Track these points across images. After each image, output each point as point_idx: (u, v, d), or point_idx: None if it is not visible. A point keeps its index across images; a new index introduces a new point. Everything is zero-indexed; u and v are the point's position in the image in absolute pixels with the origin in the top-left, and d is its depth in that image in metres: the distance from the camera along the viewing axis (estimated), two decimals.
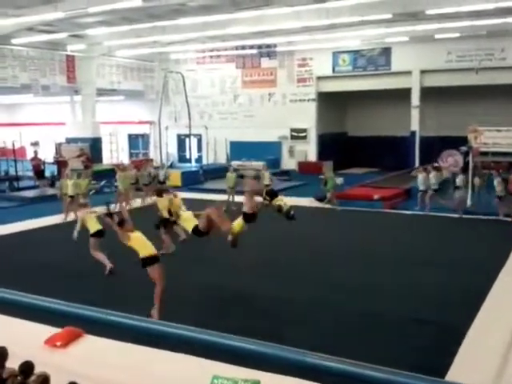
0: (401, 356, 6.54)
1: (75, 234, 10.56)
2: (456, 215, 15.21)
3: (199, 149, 30.42)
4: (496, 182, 14.89)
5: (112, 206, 13.13)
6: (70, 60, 25.61)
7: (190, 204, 11.31)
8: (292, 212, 9.59)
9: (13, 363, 5.05)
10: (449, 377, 5.97)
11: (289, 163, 27.63)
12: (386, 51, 25.31)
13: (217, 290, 9.27)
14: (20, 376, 4.94)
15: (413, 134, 25.34)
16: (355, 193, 18.16)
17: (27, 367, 4.98)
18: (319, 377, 5.71)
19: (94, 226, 10.37)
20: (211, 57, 28.99)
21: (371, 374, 5.48)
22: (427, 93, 25.04)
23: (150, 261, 7.66)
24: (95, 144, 26.53)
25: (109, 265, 10.17)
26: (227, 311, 8.30)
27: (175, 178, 21.09)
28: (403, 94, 25.16)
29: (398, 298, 8.83)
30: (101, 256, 10.34)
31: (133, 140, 33.22)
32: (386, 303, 8.57)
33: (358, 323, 7.79)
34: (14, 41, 21.72)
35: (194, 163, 28.81)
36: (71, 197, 15.35)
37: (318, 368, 5.69)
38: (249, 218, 8.82)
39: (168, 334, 6.71)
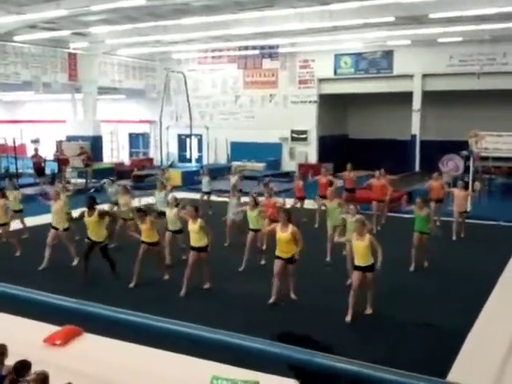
0: (403, 358, 6.53)
1: None
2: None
3: (200, 149, 30.41)
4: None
5: None
6: (72, 58, 25.56)
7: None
8: None
9: (12, 361, 5.06)
10: (449, 379, 5.97)
11: (289, 165, 27.60)
12: (388, 54, 25.28)
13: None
14: (14, 373, 4.94)
15: (413, 137, 25.33)
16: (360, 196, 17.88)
17: (22, 365, 4.98)
18: None
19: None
20: (213, 57, 28.96)
21: (372, 373, 5.44)
22: (429, 97, 25.02)
23: None
24: (96, 142, 26.47)
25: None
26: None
27: (175, 177, 21.11)
28: (405, 98, 25.14)
29: (398, 302, 8.82)
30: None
31: (133, 139, 33.23)
32: (386, 307, 8.56)
33: (359, 325, 7.78)
34: (16, 38, 21.71)
35: (194, 163, 28.80)
36: None
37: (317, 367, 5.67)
38: None
39: (165, 330, 6.67)
